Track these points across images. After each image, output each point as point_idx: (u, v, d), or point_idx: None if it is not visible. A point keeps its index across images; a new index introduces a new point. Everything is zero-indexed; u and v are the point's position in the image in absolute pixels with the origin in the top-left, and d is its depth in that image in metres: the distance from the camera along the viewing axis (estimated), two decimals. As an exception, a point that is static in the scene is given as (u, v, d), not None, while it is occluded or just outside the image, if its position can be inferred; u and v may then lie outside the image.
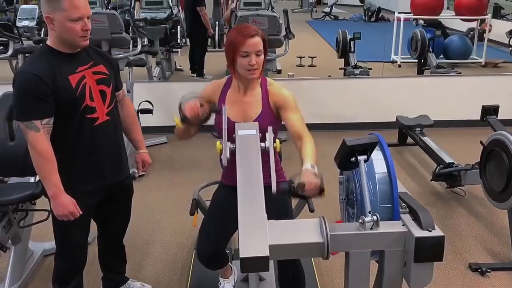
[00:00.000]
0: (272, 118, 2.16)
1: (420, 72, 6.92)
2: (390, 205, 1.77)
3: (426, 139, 4.26)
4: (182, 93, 2.11)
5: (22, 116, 1.99)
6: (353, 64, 6.56)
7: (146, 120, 4.64)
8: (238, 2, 6.05)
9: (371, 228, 1.65)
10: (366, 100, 5.48)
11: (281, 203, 2.27)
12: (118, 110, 2.30)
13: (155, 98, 4.83)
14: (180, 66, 7.52)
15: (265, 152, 1.93)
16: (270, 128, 1.96)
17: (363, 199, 1.69)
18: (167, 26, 5.84)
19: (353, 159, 1.70)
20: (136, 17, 5.87)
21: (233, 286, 2.59)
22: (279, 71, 7.43)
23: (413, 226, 1.67)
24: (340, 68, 6.80)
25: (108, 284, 2.67)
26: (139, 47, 4.25)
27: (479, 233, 3.31)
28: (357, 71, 6.26)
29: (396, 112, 4.93)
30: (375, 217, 1.63)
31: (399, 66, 7.99)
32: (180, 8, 7.47)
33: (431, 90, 5.50)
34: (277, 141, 1.98)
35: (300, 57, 8.01)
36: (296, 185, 1.82)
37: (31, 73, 1.96)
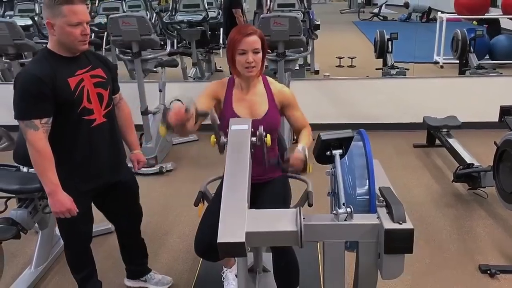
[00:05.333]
0: (278, 114, 2.31)
1: (461, 73, 6.76)
2: (367, 198, 1.83)
3: (452, 140, 4.20)
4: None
5: (22, 115, 2.07)
6: (389, 65, 6.53)
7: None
8: (271, 4, 6.18)
9: (345, 220, 1.72)
10: (398, 100, 5.43)
11: (280, 195, 2.37)
12: (115, 112, 2.40)
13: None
14: (220, 67, 7.71)
15: (258, 147, 2.03)
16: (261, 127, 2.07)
17: (339, 191, 1.76)
18: (203, 28, 6.03)
19: (328, 153, 1.77)
20: (174, 19, 6.14)
21: (236, 275, 2.69)
22: (316, 72, 7.51)
23: (385, 219, 1.72)
24: (376, 69, 6.78)
25: (130, 274, 2.84)
26: (168, 48, 4.47)
27: (496, 236, 3.25)
28: (393, 72, 6.22)
29: (429, 113, 4.87)
30: (349, 209, 1.70)
31: (441, 67, 7.82)
32: (221, 11, 7.67)
33: (467, 91, 5.37)
34: (268, 136, 2.07)
35: (340, 58, 8.02)
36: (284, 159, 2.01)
37: (32, 74, 2.06)
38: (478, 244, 3.17)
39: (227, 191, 1.79)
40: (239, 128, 2.07)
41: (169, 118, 1.79)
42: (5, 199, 2.80)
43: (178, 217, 3.65)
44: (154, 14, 6.50)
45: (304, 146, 2.13)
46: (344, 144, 1.78)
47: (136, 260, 2.81)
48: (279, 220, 1.74)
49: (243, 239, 1.60)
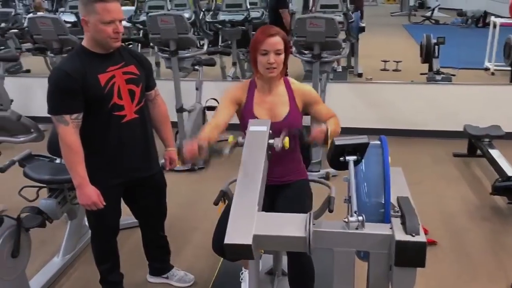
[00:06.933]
0: (299, 116, 2.28)
1: (513, 80, 6.45)
2: (382, 207, 1.77)
3: (493, 151, 4.02)
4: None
5: (53, 110, 2.16)
6: (435, 70, 6.33)
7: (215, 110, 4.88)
8: (314, 5, 6.13)
9: (357, 228, 1.67)
10: (441, 107, 5.25)
11: (297, 199, 2.33)
12: (147, 109, 2.44)
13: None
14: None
15: (275, 149, 2.00)
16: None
17: (351, 199, 1.71)
18: (244, 28, 6.04)
19: (341, 158, 1.73)
20: (216, 19, 6.19)
21: (254, 277, 2.67)
22: (360, 75, 7.37)
23: (398, 230, 1.66)
24: (421, 74, 6.58)
25: (153, 270, 2.88)
26: (205, 47, 4.52)
27: (533, 254, 3.09)
28: (438, 77, 6.03)
29: (472, 121, 4.68)
30: (360, 218, 1.65)
31: (492, 74, 7.49)
32: (265, 10, 7.66)
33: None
34: (286, 138, 2.04)
35: (385, 61, 7.83)
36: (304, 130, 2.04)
37: (63, 71, 2.13)
38: (513, 261, 3.02)
39: (239, 193, 1.79)
40: (257, 129, 2.05)
41: (184, 153, 2.00)
42: (37, 189, 2.89)
43: (205, 215, 3.66)
44: (200, 13, 6.55)
45: (327, 126, 2.08)
46: (359, 150, 1.74)
47: (158, 257, 2.85)
48: (288, 225, 1.72)
49: (250, 242, 1.59)
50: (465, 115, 4.95)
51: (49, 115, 2.20)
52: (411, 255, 1.61)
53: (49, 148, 3.01)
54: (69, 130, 2.15)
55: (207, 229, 3.43)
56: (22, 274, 2.56)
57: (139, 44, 5.56)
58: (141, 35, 5.76)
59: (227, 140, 2.05)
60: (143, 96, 2.37)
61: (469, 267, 2.97)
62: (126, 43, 5.64)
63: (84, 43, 2.23)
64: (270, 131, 2.01)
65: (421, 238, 1.62)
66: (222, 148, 2.02)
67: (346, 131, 2.17)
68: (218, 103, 4.78)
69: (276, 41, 2.13)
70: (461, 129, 4.68)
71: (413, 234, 1.62)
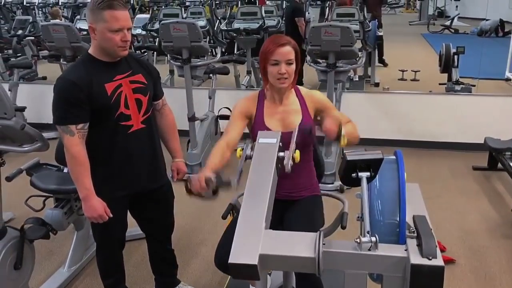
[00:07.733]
0: (312, 124, 2.18)
1: (535, 91, 6.28)
2: (396, 227, 1.67)
3: (515, 165, 3.87)
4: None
5: (58, 120, 2.10)
6: (454, 80, 6.18)
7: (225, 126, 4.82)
8: (330, 14, 6.05)
9: (369, 250, 1.57)
10: (460, 119, 5.11)
11: (308, 216, 2.23)
12: (155, 119, 2.37)
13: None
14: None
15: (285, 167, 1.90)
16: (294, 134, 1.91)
17: (364, 218, 1.61)
18: (259, 36, 5.98)
19: (354, 175, 1.63)
20: (231, 27, 6.14)
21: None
22: (377, 84, 7.24)
23: (414, 252, 1.55)
24: (440, 84, 6.43)
25: (159, 285, 2.78)
26: (219, 55, 4.46)
27: (557, 275, 2.93)
28: (458, 88, 5.89)
29: (493, 134, 4.53)
30: (374, 238, 1.55)
31: (514, 84, 7.31)
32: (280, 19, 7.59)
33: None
34: (297, 152, 1.95)
35: (402, 71, 7.69)
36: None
37: (68, 80, 2.07)
38: (536, 282, 2.87)
39: (245, 209, 1.70)
40: (267, 141, 1.96)
41: (191, 186, 1.89)
42: (44, 198, 2.84)
43: (214, 227, 3.58)
44: (216, 21, 6.51)
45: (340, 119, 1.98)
46: (372, 166, 1.64)
47: (165, 271, 2.76)
48: (297, 244, 1.62)
49: (255, 262, 1.50)
50: (486, 127, 4.80)
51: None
52: (427, 280, 1.51)
53: (56, 157, 2.96)
54: (75, 140, 2.08)
55: (216, 242, 3.29)
56: (25, 287, 2.51)
57: (154, 52, 5.52)
58: (156, 43, 5.73)
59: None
60: (150, 106, 2.30)
61: (489, 288, 2.83)
62: (141, 51, 5.64)
63: (90, 51, 2.16)
64: (280, 144, 1.93)
65: (438, 261, 1.51)
66: (230, 179, 1.92)
67: (362, 142, 2.07)
68: (231, 112, 4.74)
69: (287, 51, 2.05)
70: (481, 141, 4.54)
71: (430, 257, 1.52)
